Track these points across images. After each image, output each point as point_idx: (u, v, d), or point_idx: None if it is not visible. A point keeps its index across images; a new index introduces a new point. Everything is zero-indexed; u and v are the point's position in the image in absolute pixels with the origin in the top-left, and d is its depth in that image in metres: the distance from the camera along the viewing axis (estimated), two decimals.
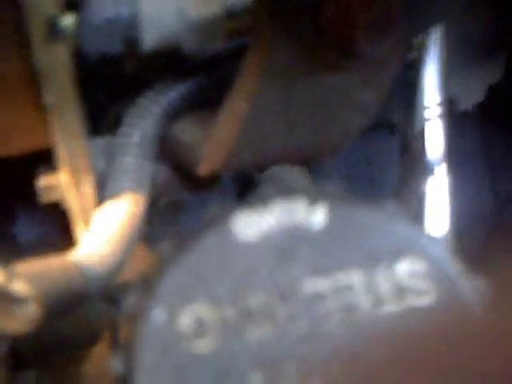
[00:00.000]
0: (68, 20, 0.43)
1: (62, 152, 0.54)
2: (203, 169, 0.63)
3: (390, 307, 0.40)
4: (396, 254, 0.40)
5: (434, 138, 0.85)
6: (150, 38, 0.57)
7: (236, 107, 0.58)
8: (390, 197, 0.96)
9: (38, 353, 0.82)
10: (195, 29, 0.57)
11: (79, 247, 0.58)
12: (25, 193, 0.83)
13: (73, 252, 0.57)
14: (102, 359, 0.73)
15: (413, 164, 0.84)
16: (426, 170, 0.83)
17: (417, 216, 0.83)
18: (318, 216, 0.42)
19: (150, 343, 0.39)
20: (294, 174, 0.86)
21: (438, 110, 0.85)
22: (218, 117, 0.60)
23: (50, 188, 0.68)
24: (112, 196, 0.61)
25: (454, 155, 0.88)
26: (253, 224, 0.41)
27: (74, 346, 0.80)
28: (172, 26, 0.57)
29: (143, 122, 0.64)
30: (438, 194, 0.83)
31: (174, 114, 0.65)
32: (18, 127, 0.59)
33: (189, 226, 0.85)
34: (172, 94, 0.65)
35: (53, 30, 0.44)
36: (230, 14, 0.59)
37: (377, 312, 0.40)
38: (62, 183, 0.68)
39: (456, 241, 0.84)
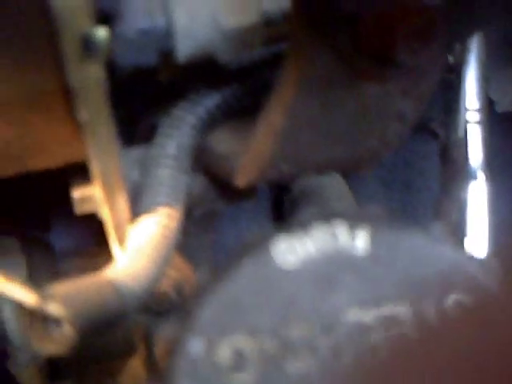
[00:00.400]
0: (101, 34, 0.42)
1: (95, 167, 0.53)
2: (240, 180, 0.61)
3: (439, 338, 0.38)
4: (444, 283, 0.38)
5: (475, 141, 0.83)
6: (185, 48, 0.55)
7: (273, 118, 0.57)
8: (428, 202, 0.94)
9: (73, 363, 0.81)
10: (230, 37, 0.56)
11: (115, 263, 0.57)
12: (63, 203, 0.83)
13: (108, 268, 0.56)
14: (137, 371, 0.72)
15: (453, 170, 0.82)
16: (467, 175, 0.81)
17: (457, 224, 0.81)
18: (360, 241, 0.41)
19: (188, 376, 0.38)
20: (332, 182, 0.85)
21: (478, 114, 0.82)
22: (255, 128, 0.58)
23: (85, 199, 0.67)
24: (147, 209, 0.60)
25: (494, 159, 0.86)
26: (293, 250, 0.40)
27: (110, 356, 0.79)
28: (207, 35, 0.56)
29: (178, 132, 0.63)
30: (478, 201, 0.81)
31: (209, 124, 0.64)
32: (54, 140, 0.58)
33: (224, 237, 0.84)
34: (207, 103, 0.64)
35: (86, 46, 0.43)
36: (266, 22, 0.57)
37: (425, 343, 0.38)
38: (97, 195, 0.67)
39: (496, 249, 0.82)
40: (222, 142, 0.64)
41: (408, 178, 0.95)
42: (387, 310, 0.38)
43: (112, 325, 0.54)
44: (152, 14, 0.54)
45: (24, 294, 0.49)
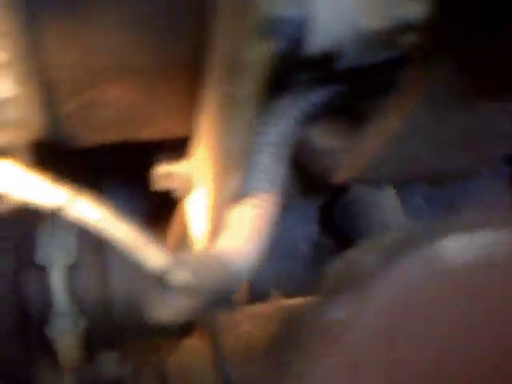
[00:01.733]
0: (288, 16, 0.43)
1: (222, 144, 0.54)
2: (338, 176, 0.63)
3: None
4: None
5: None
6: (318, 40, 0.56)
7: (389, 122, 0.58)
8: None
9: (120, 336, 0.81)
10: (363, 38, 0.57)
11: (219, 242, 0.58)
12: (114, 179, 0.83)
13: (216, 246, 0.57)
14: (193, 349, 0.72)
15: None
16: None
17: None
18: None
19: None
20: (385, 193, 0.87)
21: None
22: (367, 128, 0.60)
23: (166, 176, 0.68)
24: (247, 193, 0.61)
25: None
26: (461, 249, 0.41)
27: (161, 333, 0.79)
28: (341, 32, 0.57)
29: (281, 122, 0.64)
30: None
31: (310, 119, 0.65)
32: (170, 113, 0.59)
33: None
34: (313, 99, 0.65)
35: (271, 24, 0.44)
36: (397, 29, 0.58)
37: None
38: (180, 173, 0.68)
39: None
40: (321, 137, 0.65)
41: (452, 196, 0.97)
42: None
43: (221, 300, 0.55)
44: (295, 3, 0.55)
45: (157, 256, 0.49)
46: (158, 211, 0.75)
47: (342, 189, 0.90)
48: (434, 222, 0.43)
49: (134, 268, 0.88)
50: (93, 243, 0.85)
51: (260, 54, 0.46)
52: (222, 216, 0.60)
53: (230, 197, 0.59)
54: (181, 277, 0.49)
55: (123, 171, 0.84)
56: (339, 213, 0.91)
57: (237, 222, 0.59)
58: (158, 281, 0.50)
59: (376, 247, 0.44)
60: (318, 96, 0.65)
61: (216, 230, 0.60)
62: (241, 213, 0.59)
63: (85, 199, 0.46)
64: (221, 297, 0.54)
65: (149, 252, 0.49)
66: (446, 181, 0.68)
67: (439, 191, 0.98)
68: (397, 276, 0.39)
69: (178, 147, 0.71)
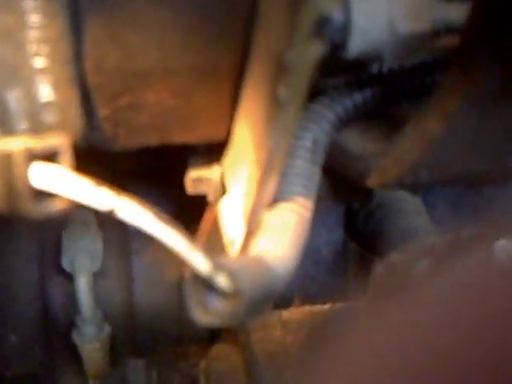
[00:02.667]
0: (338, 17, 0.43)
1: (264, 147, 0.53)
2: (374, 181, 0.62)
3: None
4: None
5: None
6: (357, 44, 0.56)
7: (428, 125, 0.58)
8: None
9: (148, 342, 0.81)
10: (401, 42, 0.57)
11: (258, 246, 0.57)
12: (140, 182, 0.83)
13: (255, 251, 0.57)
14: (220, 359, 0.72)
15: None
16: None
17: None
18: None
19: None
20: (409, 198, 0.86)
21: None
22: (403, 132, 0.60)
23: (200, 180, 0.68)
24: (282, 197, 0.61)
25: None
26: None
27: (189, 340, 0.79)
28: (380, 35, 0.57)
29: (316, 127, 0.64)
30: None
31: (346, 123, 0.65)
32: (207, 116, 0.59)
33: None
34: (347, 102, 0.65)
35: (321, 25, 0.43)
36: (435, 32, 0.58)
37: None
38: (214, 178, 0.68)
39: None
40: (356, 141, 0.65)
41: (476, 204, 0.97)
42: None
43: (263, 305, 0.55)
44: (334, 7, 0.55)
45: (199, 260, 0.49)
46: (187, 217, 0.75)
47: (367, 194, 0.89)
48: (483, 225, 0.42)
49: (159, 275, 0.88)
50: (118, 250, 0.85)
51: (308, 55, 0.45)
52: (258, 220, 0.59)
53: (267, 201, 0.59)
54: (223, 280, 0.48)
55: (150, 176, 0.84)
56: (363, 218, 0.90)
57: (275, 227, 0.59)
58: (201, 284, 0.50)
59: (425, 250, 0.43)
60: (353, 100, 0.65)
61: (252, 234, 0.60)
62: (279, 217, 0.59)
63: (131, 201, 0.45)
64: (262, 302, 0.53)
65: (193, 255, 0.48)
66: (484, 185, 0.68)
67: (463, 199, 0.98)
68: (451, 278, 0.39)
69: (209, 151, 0.70)
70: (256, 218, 0.60)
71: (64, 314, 0.83)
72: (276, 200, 0.61)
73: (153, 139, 0.60)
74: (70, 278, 0.83)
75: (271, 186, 0.58)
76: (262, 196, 0.58)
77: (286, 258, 0.56)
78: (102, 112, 0.56)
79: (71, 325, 0.83)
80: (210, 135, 0.60)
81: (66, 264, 0.82)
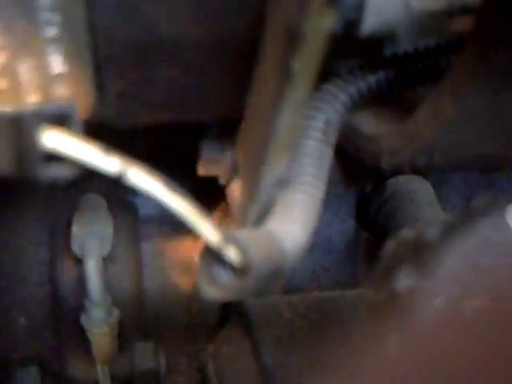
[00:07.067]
0: None
1: (274, 123, 0.53)
2: (387, 162, 0.62)
3: None
4: None
5: None
6: (372, 22, 0.56)
7: (441, 105, 0.57)
8: None
9: (155, 326, 0.81)
10: (416, 20, 0.57)
11: (268, 224, 0.57)
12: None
13: (265, 228, 0.56)
14: (227, 342, 0.71)
15: None
16: None
17: None
18: None
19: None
20: (422, 188, 0.86)
21: None
22: (416, 114, 0.59)
23: (213, 162, 0.67)
24: (294, 178, 0.60)
25: None
26: None
27: (198, 324, 0.79)
28: (395, 13, 0.56)
29: (329, 107, 0.63)
30: None
31: (357, 104, 0.64)
32: (220, 92, 0.58)
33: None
34: (360, 84, 0.64)
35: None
36: (450, 12, 0.57)
37: None
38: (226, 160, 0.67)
39: None
40: (369, 123, 0.64)
41: (487, 194, 0.96)
42: None
43: (273, 282, 0.54)
44: None
45: (209, 231, 0.48)
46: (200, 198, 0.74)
47: (380, 179, 0.89)
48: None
49: (168, 259, 0.88)
50: (128, 235, 0.85)
51: (321, 26, 0.45)
52: (269, 199, 0.59)
53: (277, 180, 0.58)
54: (233, 253, 0.48)
55: (163, 157, 0.84)
56: (376, 208, 0.90)
57: (286, 206, 0.58)
58: (211, 257, 0.49)
59: (437, 222, 0.43)
60: (366, 81, 0.64)
61: (263, 213, 0.59)
62: (290, 196, 0.59)
63: (141, 168, 0.45)
64: (271, 278, 0.53)
65: (203, 225, 0.48)
66: (498, 170, 0.67)
67: (476, 190, 0.97)
68: (465, 243, 0.38)
69: (221, 133, 0.70)
70: (266, 198, 0.60)
71: (73, 298, 0.83)
72: (287, 180, 0.61)
73: (165, 116, 0.60)
74: (79, 261, 0.82)
75: (281, 164, 0.57)
76: (270, 177, 0.58)
77: (297, 236, 0.56)
78: (114, 86, 0.56)
79: (80, 309, 0.82)
80: (223, 112, 0.60)
81: (75, 248, 0.82)
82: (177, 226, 0.86)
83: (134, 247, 0.86)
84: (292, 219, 0.57)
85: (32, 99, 0.53)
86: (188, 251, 0.86)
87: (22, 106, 0.50)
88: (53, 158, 0.44)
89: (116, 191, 0.85)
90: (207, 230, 0.48)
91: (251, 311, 0.69)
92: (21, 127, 0.44)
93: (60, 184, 0.48)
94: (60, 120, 0.42)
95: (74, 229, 0.83)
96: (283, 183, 0.60)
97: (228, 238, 0.49)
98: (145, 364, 0.83)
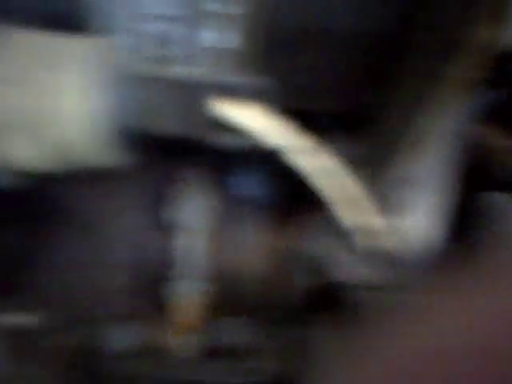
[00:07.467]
0: None
1: (418, 124, 0.54)
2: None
3: None
4: None
5: None
6: None
7: None
8: None
9: (239, 302, 0.81)
10: None
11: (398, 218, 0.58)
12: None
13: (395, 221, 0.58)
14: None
15: None
16: None
17: None
18: None
19: None
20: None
21: None
22: None
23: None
24: (420, 177, 0.62)
25: None
26: None
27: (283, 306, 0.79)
28: None
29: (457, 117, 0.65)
30: None
31: (488, 117, 0.66)
32: (353, 85, 0.59)
33: None
34: (491, 97, 0.66)
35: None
36: None
37: None
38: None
39: None
40: (498, 136, 0.66)
41: None
42: None
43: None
44: None
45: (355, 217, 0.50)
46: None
47: (470, 196, 0.90)
48: None
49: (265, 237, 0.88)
50: (226, 211, 0.86)
51: (491, 39, 0.46)
52: (397, 196, 0.60)
53: (405, 178, 0.60)
54: (366, 241, 0.49)
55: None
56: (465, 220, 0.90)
57: (414, 203, 0.60)
58: (346, 243, 0.51)
59: None
60: (496, 95, 0.66)
61: (386, 208, 0.61)
62: (417, 194, 0.60)
63: (317, 148, 0.47)
64: (397, 268, 0.55)
65: (357, 211, 0.49)
66: None
67: None
68: None
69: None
70: (390, 192, 0.61)
71: (159, 268, 0.84)
72: (413, 179, 0.62)
73: (305, 103, 0.61)
74: (169, 233, 0.83)
75: (415, 165, 0.59)
76: (399, 171, 0.59)
77: (427, 234, 0.57)
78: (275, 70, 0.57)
79: (165, 279, 0.83)
80: (347, 105, 0.61)
81: (168, 219, 0.83)
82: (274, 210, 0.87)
83: (234, 225, 0.86)
84: (423, 215, 0.59)
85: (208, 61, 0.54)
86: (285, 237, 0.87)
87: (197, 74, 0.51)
88: (223, 126, 0.45)
89: (218, 169, 0.86)
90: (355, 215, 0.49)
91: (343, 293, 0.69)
92: (195, 94, 0.45)
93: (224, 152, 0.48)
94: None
95: (169, 200, 0.84)
96: (413, 184, 0.62)
97: (362, 226, 0.50)
98: (229, 340, 0.84)
